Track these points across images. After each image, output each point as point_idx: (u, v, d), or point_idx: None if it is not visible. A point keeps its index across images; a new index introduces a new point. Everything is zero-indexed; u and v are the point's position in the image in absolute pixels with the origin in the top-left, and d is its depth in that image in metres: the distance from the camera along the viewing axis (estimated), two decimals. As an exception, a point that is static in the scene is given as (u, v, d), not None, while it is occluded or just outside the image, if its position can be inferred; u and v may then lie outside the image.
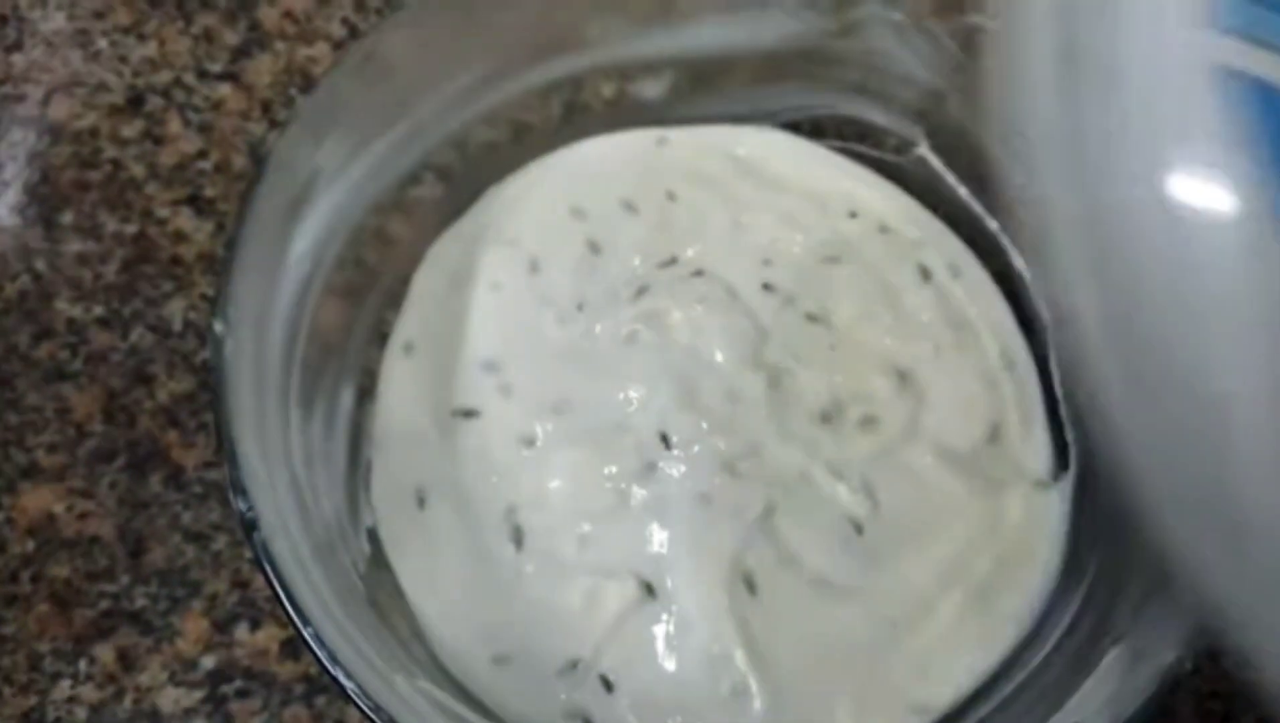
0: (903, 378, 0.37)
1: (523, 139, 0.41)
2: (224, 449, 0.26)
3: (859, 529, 0.34)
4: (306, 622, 0.25)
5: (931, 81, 0.38)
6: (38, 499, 0.38)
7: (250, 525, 0.26)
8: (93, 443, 0.39)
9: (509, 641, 0.33)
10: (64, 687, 0.36)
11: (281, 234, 0.31)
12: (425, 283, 0.38)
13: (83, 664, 0.36)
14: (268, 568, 0.25)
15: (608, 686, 0.32)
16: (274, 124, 0.44)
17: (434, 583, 0.33)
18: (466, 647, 0.33)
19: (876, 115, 0.40)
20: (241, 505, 0.26)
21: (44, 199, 0.43)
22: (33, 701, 0.35)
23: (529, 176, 0.40)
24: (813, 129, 0.42)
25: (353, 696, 0.25)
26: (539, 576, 0.33)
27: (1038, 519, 0.35)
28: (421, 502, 0.34)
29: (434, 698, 0.29)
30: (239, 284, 0.28)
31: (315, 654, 0.25)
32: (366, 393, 0.37)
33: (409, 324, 0.37)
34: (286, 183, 0.30)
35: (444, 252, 0.38)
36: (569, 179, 0.40)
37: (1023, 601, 0.34)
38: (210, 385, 0.28)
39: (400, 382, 0.36)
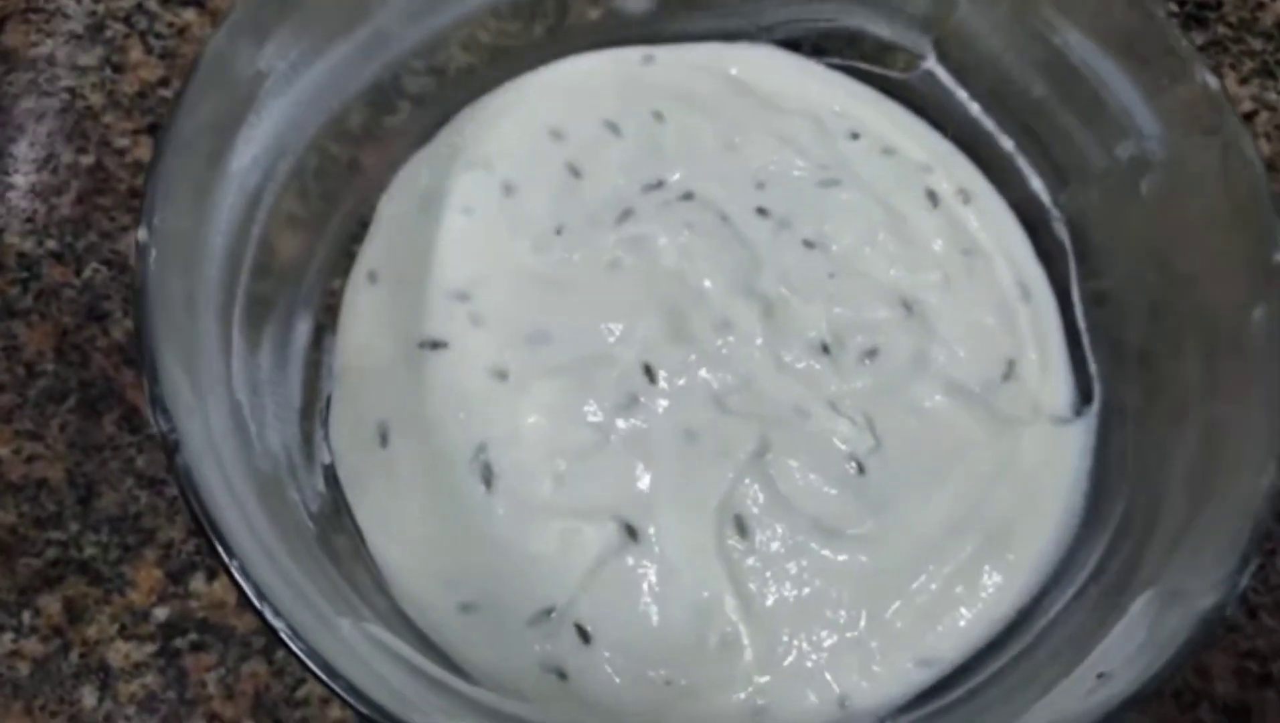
0: (909, 308, 0.34)
1: (501, 63, 0.38)
2: (144, 365, 0.24)
3: (860, 469, 0.32)
4: (231, 554, 0.22)
5: (941, -15, 0.35)
6: (-18, 442, 0.36)
7: (172, 449, 0.23)
8: (43, 382, 0.36)
9: (477, 587, 0.30)
10: (6, 640, 0.33)
11: (219, 140, 0.28)
12: (392, 208, 0.35)
13: (27, 616, 0.34)
14: (189, 495, 0.23)
15: (584, 636, 0.30)
16: (239, 49, 0.42)
17: (396, 525, 0.31)
18: (430, 594, 0.30)
19: (881, 28, 0.37)
20: (162, 425, 0.23)
21: (-4, 128, 0.40)
22: (-27, 654, 0.33)
23: (505, 96, 0.37)
24: (813, 47, 0.39)
25: (283, 637, 0.22)
26: (510, 518, 0.31)
27: (1057, 458, 0.32)
28: (384, 439, 0.32)
29: (386, 645, 0.26)
30: (167, 191, 0.26)
31: (242, 591, 0.22)
32: (326, 327, 0.34)
33: (374, 251, 0.34)
34: (223, 83, 0.28)
35: (413, 175, 0.36)
36: (547, 99, 0.37)
37: (1041, 545, 0.31)
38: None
39: (364, 312, 0.34)
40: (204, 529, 0.23)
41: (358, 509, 0.31)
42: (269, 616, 0.22)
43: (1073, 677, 0.25)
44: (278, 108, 0.30)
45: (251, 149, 0.29)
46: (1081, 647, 0.27)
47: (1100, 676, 0.24)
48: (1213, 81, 0.30)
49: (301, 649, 0.22)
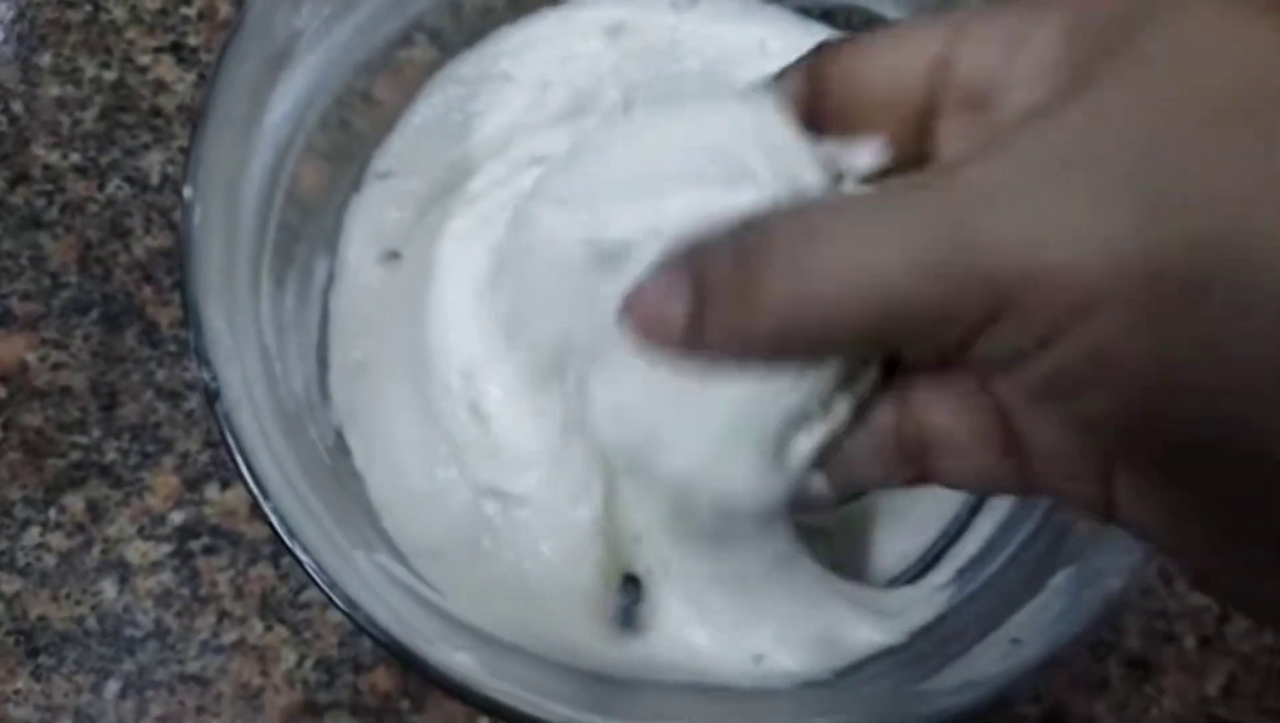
0: None
1: (520, 4, 0.40)
2: (189, 317, 0.26)
3: None
4: (266, 495, 0.25)
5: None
6: (11, 347, 0.38)
7: (213, 396, 0.26)
8: (68, 294, 0.39)
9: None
10: (34, 533, 0.36)
11: (257, 98, 0.30)
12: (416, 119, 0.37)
13: (52, 513, 0.36)
14: (229, 439, 0.25)
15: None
16: (261, -27, 0.43)
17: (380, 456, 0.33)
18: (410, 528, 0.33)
19: (887, 7, 0.39)
20: (205, 375, 0.26)
21: (21, 37, 0.41)
22: (3, 545, 0.36)
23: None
24: (821, 16, 0.41)
25: (309, 571, 0.25)
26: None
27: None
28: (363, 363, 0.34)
29: (395, 576, 0.29)
30: (210, 149, 0.28)
31: (273, 528, 0.25)
32: (344, 264, 0.36)
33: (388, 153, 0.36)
34: (262, 45, 0.29)
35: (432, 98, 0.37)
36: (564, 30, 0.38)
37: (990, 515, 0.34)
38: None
39: (368, 209, 0.35)
40: (241, 471, 0.25)
41: (350, 440, 0.33)
42: (298, 552, 0.25)
43: (989, 640, 0.29)
44: (310, 62, 0.32)
45: (284, 104, 0.31)
46: (1005, 611, 0.30)
47: (1014, 642, 0.28)
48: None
49: (325, 583, 0.25)
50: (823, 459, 0.24)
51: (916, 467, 0.24)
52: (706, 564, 0.31)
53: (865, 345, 0.22)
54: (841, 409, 0.24)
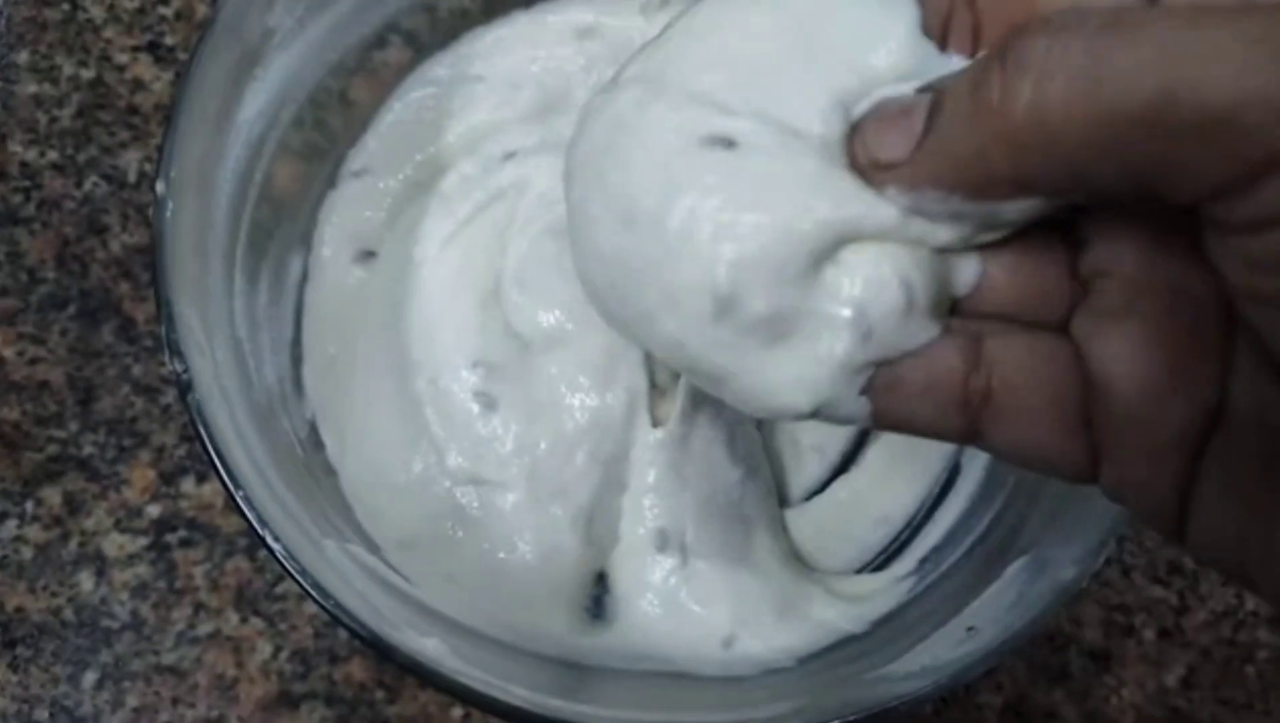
0: None
1: (494, 7, 0.40)
2: (161, 310, 0.27)
3: None
4: (237, 484, 0.26)
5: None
6: (-12, 342, 0.38)
7: (185, 387, 0.26)
8: (45, 289, 0.39)
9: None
10: (11, 526, 0.37)
11: (229, 96, 0.30)
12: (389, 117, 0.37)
13: (30, 506, 0.37)
14: (200, 430, 0.26)
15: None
16: (239, -26, 0.43)
17: (358, 456, 0.34)
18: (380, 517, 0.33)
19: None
20: (177, 367, 0.26)
21: (-2, 35, 0.42)
22: (-20, 537, 0.36)
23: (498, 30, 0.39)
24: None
25: (280, 559, 0.25)
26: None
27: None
28: (336, 358, 0.34)
29: (366, 565, 0.30)
30: (183, 145, 0.28)
31: (245, 516, 0.26)
32: (317, 261, 0.37)
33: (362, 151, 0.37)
34: (235, 43, 0.30)
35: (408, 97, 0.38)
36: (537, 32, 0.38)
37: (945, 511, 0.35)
38: (156, 244, 0.28)
39: (342, 207, 0.36)
40: (213, 461, 0.26)
41: (324, 433, 0.34)
42: (269, 540, 0.25)
43: (946, 628, 0.29)
44: (283, 61, 0.32)
45: (257, 101, 0.31)
46: (962, 600, 0.31)
47: (969, 629, 0.29)
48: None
49: (296, 570, 0.25)
50: (870, 382, 0.22)
51: (970, 421, 0.21)
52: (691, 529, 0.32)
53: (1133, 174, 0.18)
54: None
